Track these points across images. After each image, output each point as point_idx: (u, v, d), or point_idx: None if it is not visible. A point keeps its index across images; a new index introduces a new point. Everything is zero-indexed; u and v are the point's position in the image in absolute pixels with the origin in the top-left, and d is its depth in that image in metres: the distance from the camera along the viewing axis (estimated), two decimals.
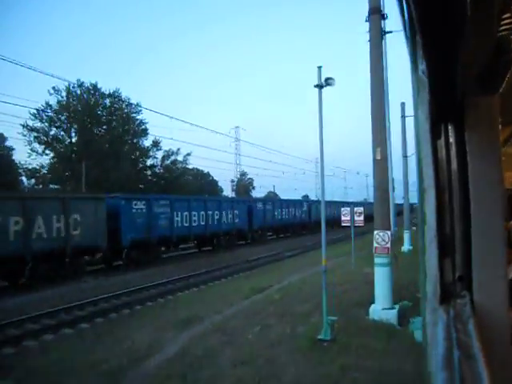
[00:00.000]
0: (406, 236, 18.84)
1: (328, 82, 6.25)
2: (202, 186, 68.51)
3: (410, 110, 20.07)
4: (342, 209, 13.70)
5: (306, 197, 79.21)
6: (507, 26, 0.84)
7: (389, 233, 7.28)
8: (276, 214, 28.63)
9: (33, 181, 39.51)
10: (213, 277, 13.96)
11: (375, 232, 7.35)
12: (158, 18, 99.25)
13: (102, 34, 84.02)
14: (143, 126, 43.57)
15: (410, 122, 20.86)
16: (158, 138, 43.61)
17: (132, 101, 42.78)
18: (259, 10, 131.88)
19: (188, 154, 49.04)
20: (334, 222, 28.66)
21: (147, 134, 43.57)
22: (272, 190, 73.03)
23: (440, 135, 1.15)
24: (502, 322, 1.04)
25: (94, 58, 75.58)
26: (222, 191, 70.58)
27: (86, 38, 77.38)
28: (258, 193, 74.30)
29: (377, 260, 7.37)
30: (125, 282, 13.12)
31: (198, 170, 66.23)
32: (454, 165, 1.12)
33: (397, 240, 20.63)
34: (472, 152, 1.07)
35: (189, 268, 15.43)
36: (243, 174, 78.64)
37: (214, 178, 70.95)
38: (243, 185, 78.90)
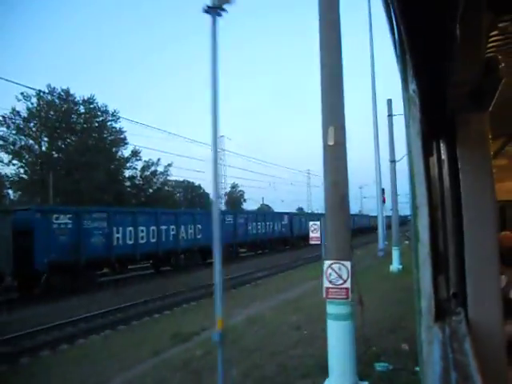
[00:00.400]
0: (395, 253, 16.04)
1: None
2: (192, 198, 66.13)
3: (398, 108, 17.64)
4: (311, 223, 10.86)
5: (300, 209, 76.96)
6: (495, 44, 0.85)
7: (348, 265, 4.41)
8: (250, 228, 25.60)
9: (19, 193, 36.70)
10: (144, 311, 10.95)
11: (326, 263, 4.50)
12: (138, 27, 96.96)
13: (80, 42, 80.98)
14: (122, 135, 40.62)
15: (398, 122, 18.42)
16: (137, 147, 40.69)
17: (109, 108, 39.85)
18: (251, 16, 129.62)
19: (169, 165, 45.89)
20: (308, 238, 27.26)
21: (126, 143, 40.75)
22: (263, 202, 70.75)
23: (432, 152, 1.18)
24: (497, 337, 1.03)
25: (67, 65, 72.26)
26: None
27: (59, 45, 74.50)
28: (249, 205, 71.82)
29: (330, 309, 4.49)
30: (25, 320, 10.04)
31: (188, 182, 63.47)
32: (447, 181, 1.14)
33: (386, 257, 17.36)
34: (464, 168, 1.07)
35: (125, 297, 12.41)
36: (234, 187, 75.72)
37: (205, 190, 67.14)
38: (234, 197, 75.72)
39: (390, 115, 18.01)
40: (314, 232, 10.53)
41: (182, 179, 61.26)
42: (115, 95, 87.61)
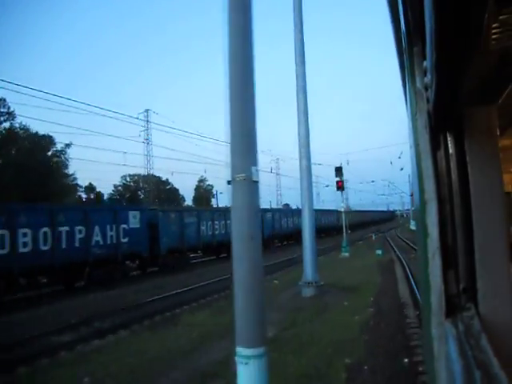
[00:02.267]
0: None
1: None
2: (159, 193, 58.02)
3: None
4: None
5: (286, 206, 68.70)
6: (496, 36, 0.82)
7: None
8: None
9: None
10: None
11: None
12: None
13: None
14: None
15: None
16: (24, 123, 29.80)
17: None
18: None
19: (67, 145, 33.51)
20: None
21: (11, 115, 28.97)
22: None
23: (440, 146, 1.15)
24: (508, 334, 1.00)
25: None
26: (184, 201, 62.38)
27: None
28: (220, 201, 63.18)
29: None
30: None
31: (154, 176, 56.56)
32: (455, 175, 1.12)
33: (318, 299, 8.94)
34: (472, 162, 1.06)
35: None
36: (202, 180, 67.02)
37: (174, 185, 59.95)
38: (202, 193, 66.80)
39: None
40: None
41: (146, 173, 54.03)
42: None
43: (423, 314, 1.19)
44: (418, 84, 1.10)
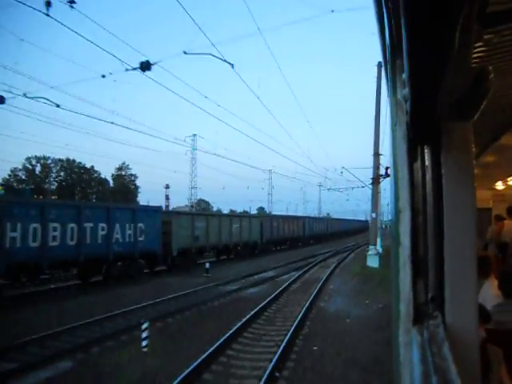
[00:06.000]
0: None
1: None
2: (80, 182, 48.30)
3: None
4: None
5: (261, 209, 63.16)
6: (479, 54, 0.94)
7: None
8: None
9: None
10: None
11: None
12: None
13: None
14: None
15: None
16: None
17: None
18: None
19: None
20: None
21: None
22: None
23: (416, 157, 1.19)
24: (472, 343, 1.05)
25: None
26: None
27: None
28: (144, 197, 51.67)
29: None
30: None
31: (74, 161, 47.33)
32: (429, 187, 1.15)
33: None
34: (447, 175, 1.09)
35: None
36: (122, 168, 52.63)
37: (103, 175, 49.59)
38: (123, 184, 52.65)
39: None
40: None
41: (57, 157, 42.62)
42: None
43: (393, 321, 1.22)
44: (399, 95, 1.14)
